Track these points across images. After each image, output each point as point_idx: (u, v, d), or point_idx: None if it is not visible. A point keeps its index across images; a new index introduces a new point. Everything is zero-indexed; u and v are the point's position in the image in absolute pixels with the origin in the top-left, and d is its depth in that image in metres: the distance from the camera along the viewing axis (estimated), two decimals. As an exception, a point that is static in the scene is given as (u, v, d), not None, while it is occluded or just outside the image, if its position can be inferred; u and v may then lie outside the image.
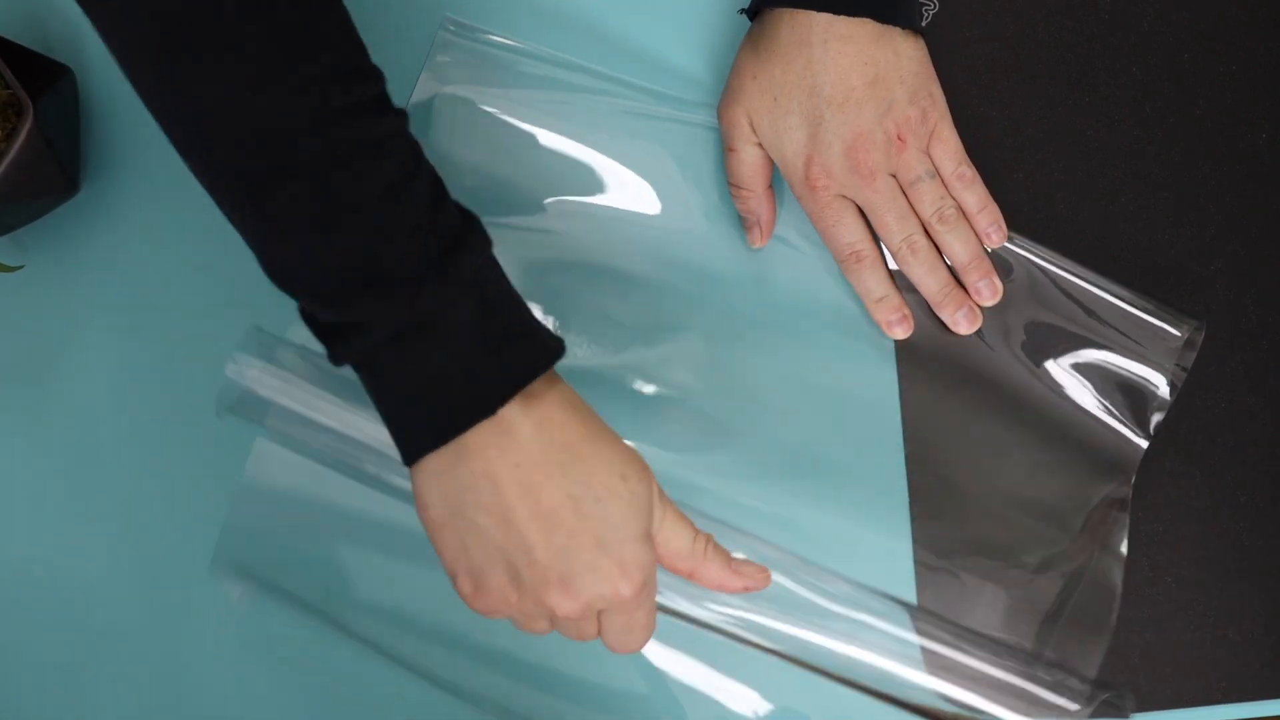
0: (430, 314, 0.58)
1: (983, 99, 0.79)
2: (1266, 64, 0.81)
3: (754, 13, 0.75)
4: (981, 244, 0.76)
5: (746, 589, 0.64)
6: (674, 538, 0.63)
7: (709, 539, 0.64)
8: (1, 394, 0.77)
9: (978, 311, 0.76)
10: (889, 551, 0.75)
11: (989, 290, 0.76)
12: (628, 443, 0.62)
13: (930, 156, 0.75)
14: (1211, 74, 0.80)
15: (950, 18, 0.79)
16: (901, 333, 0.76)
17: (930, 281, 0.76)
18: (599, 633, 0.63)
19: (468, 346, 0.58)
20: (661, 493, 0.63)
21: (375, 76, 0.58)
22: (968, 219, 0.76)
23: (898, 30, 0.73)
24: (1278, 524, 0.77)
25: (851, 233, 0.75)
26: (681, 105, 0.79)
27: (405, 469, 0.62)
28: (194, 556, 0.76)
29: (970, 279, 0.76)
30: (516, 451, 0.59)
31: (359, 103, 0.57)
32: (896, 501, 0.76)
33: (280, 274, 0.59)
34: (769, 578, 0.65)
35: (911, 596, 0.75)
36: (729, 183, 0.77)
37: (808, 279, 0.78)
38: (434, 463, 0.59)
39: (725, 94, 0.76)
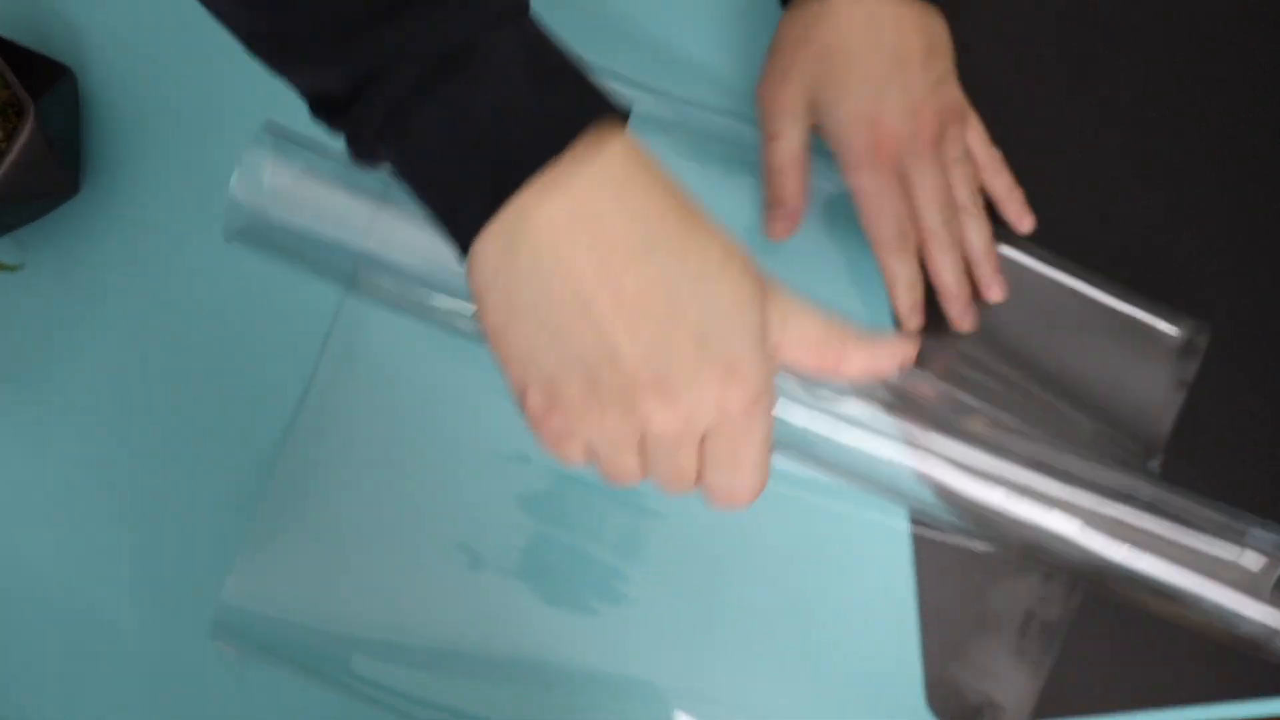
0: (466, 43, 0.45)
1: (983, 99, 0.79)
2: (1267, 63, 0.81)
3: None
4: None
5: (901, 367, 0.54)
6: (803, 327, 0.51)
7: (851, 329, 0.53)
8: (1, 394, 0.77)
9: (979, 317, 0.75)
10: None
11: (998, 287, 0.73)
12: None
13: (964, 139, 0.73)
14: (1212, 73, 0.80)
15: (951, 18, 0.79)
16: (917, 322, 0.72)
17: (952, 271, 0.72)
18: (699, 474, 0.50)
19: (519, 82, 0.46)
20: (774, 281, 0.51)
21: None
22: (997, 204, 0.74)
23: (930, 6, 0.71)
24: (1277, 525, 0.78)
25: (902, 208, 0.70)
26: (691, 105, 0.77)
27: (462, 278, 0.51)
28: (194, 556, 0.76)
29: (983, 271, 0.73)
30: (589, 227, 0.46)
31: None
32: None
33: (276, 33, 0.47)
34: (915, 348, 0.54)
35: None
36: (766, 169, 0.72)
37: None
38: (490, 246, 0.47)
39: (767, 73, 0.71)
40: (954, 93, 0.72)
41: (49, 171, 0.72)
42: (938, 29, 0.71)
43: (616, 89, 0.64)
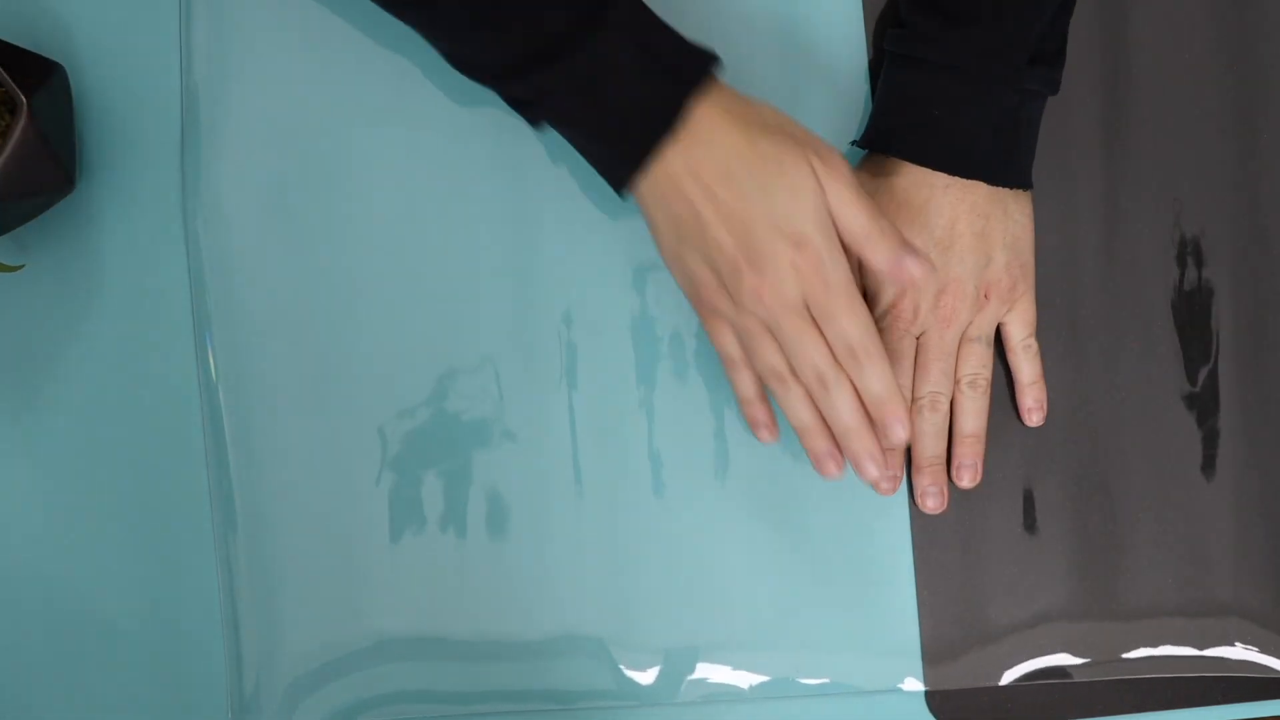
0: (598, 63, 0.67)
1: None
2: (1266, 63, 0.80)
3: (867, 144, 0.76)
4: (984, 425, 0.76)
5: (912, 280, 0.68)
6: (848, 218, 0.68)
7: (881, 222, 0.68)
8: (1, 394, 0.77)
9: (946, 496, 0.76)
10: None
11: (971, 474, 0.76)
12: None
13: (1003, 321, 0.76)
14: (1210, 74, 0.79)
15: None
16: (890, 489, 0.73)
17: (930, 445, 0.76)
18: (814, 327, 0.68)
19: (636, 80, 0.68)
20: (844, 176, 0.68)
21: None
22: (1018, 387, 0.76)
23: (1009, 190, 0.74)
24: (1276, 526, 0.77)
25: (900, 373, 0.75)
26: None
27: None
28: (194, 555, 0.76)
29: (961, 450, 0.76)
30: (691, 169, 0.68)
31: None
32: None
33: (462, 65, 0.71)
34: (932, 269, 0.68)
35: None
36: None
37: None
38: (638, 190, 0.70)
39: None
40: (1001, 274, 0.74)
41: (44, 168, 0.72)
42: (997, 213, 0.74)
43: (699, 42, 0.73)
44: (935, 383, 0.75)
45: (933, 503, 0.76)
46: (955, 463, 0.76)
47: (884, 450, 0.70)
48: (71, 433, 0.77)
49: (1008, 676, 0.75)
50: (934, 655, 0.75)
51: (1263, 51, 0.79)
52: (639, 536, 0.76)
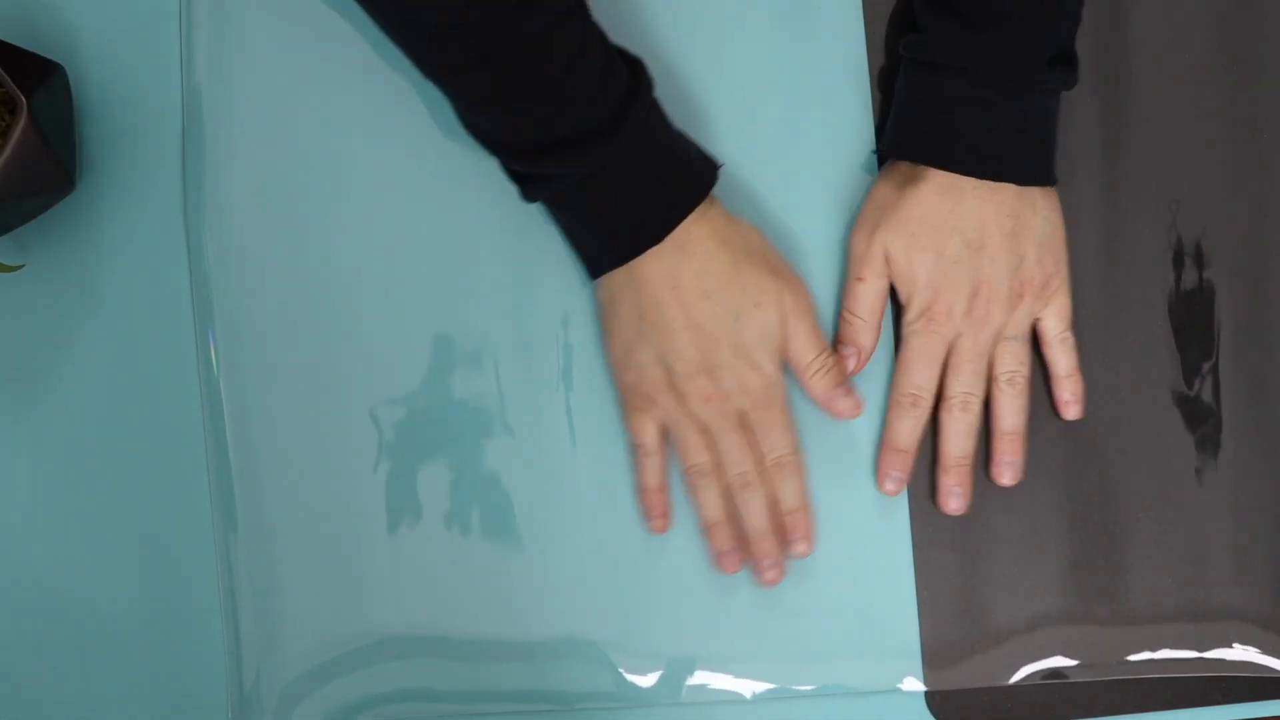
0: (605, 166, 0.70)
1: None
2: (1266, 63, 0.80)
3: (892, 152, 0.76)
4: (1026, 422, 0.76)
5: (839, 413, 0.74)
6: (800, 350, 0.74)
7: (828, 361, 0.74)
8: (1, 394, 0.77)
9: (968, 500, 0.76)
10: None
11: (1012, 471, 0.76)
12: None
13: (1038, 316, 0.76)
14: (1210, 74, 0.79)
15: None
16: (894, 490, 0.76)
17: (960, 445, 0.76)
18: (748, 435, 0.73)
19: (639, 187, 0.71)
20: (807, 314, 0.74)
21: None
22: (1054, 381, 0.77)
23: (1036, 188, 0.74)
24: (1276, 526, 0.77)
25: (929, 378, 0.75)
26: None
27: None
28: (193, 555, 0.76)
29: (1001, 448, 0.76)
30: (674, 280, 0.72)
31: (525, 2, 0.67)
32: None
33: (476, 134, 0.72)
34: (858, 409, 0.75)
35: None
36: (844, 309, 0.77)
37: None
38: (612, 281, 0.73)
39: (860, 222, 0.76)
40: (1034, 272, 0.74)
41: (44, 168, 0.72)
42: (1027, 212, 0.74)
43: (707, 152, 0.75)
44: (967, 383, 0.75)
45: (955, 503, 0.76)
46: (995, 460, 0.76)
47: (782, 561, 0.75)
48: (71, 433, 0.77)
49: (1008, 677, 0.75)
50: (934, 656, 0.75)
51: (1263, 51, 0.79)
52: (639, 536, 0.76)
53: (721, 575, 0.75)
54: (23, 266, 0.77)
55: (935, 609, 0.76)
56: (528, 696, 0.75)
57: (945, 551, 0.76)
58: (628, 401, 0.75)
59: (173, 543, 0.76)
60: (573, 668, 0.75)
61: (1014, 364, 0.75)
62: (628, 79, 0.70)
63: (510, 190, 0.74)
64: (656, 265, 0.71)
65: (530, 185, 0.72)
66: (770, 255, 0.74)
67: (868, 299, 0.76)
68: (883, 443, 0.76)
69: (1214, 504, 0.77)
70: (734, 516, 0.75)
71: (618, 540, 0.76)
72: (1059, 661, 0.75)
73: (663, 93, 0.72)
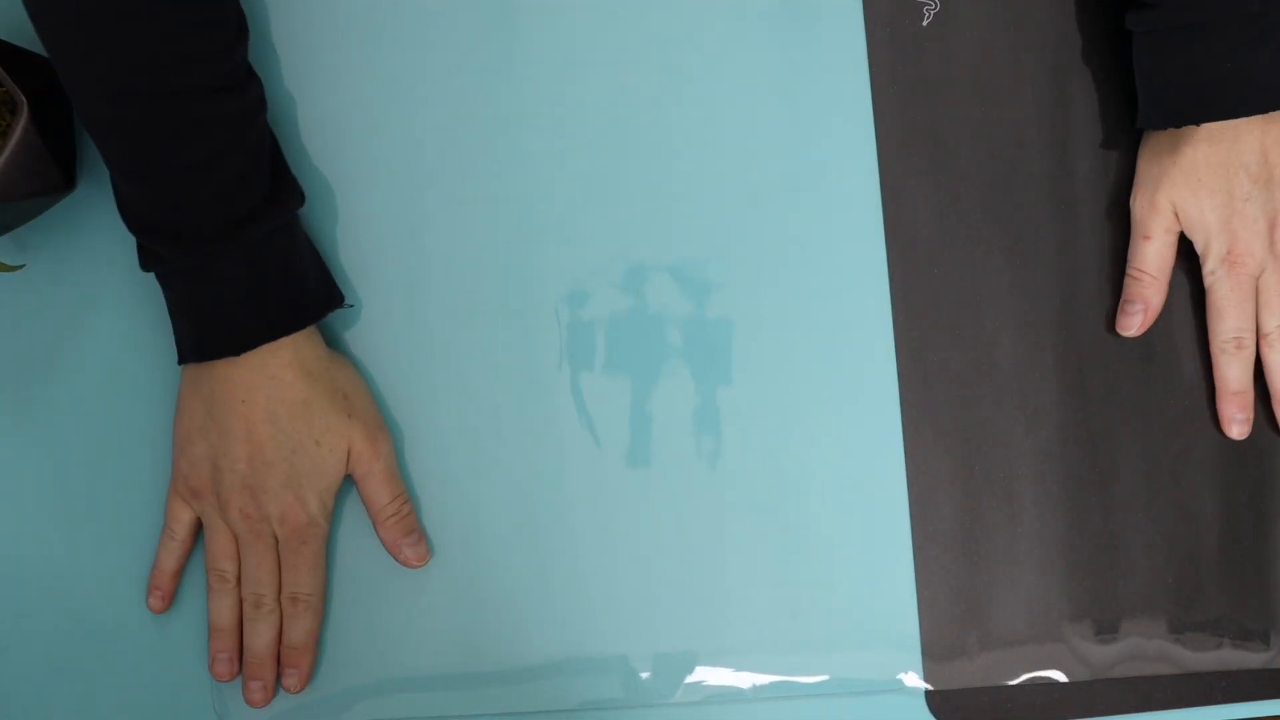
0: (207, 266, 0.71)
1: (983, 99, 0.79)
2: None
3: (1168, 122, 0.75)
4: None
5: (404, 562, 0.75)
6: (372, 494, 0.75)
7: (401, 508, 0.75)
8: (1, 394, 0.77)
9: (1250, 424, 0.77)
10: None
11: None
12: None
13: None
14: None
15: (950, 18, 0.79)
16: (1239, 434, 0.76)
17: (1242, 378, 0.76)
18: (277, 560, 0.74)
19: (232, 299, 0.71)
20: (384, 459, 0.75)
21: (226, 60, 0.70)
22: None
23: None
24: (1273, 526, 0.77)
25: (1246, 317, 0.75)
26: None
27: None
28: (194, 554, 0.76)
29: None
30: (247, 394, 0.72)
31: (197, 85, 0.69)
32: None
33: (114, 191, 0.72)
34: (423, 560, 0.76)
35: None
36: (1131, 267, 0.77)
37: None
38: (193, 373, 0.74)
39: (1139, 184, 0.77)
40: None
41: (44, 168, 0.72)
42: None
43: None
44: (1276, 319, 0.76)
45: (1238, 430, 0.76)
46: None
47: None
48: (71, 432, 0.77)
49: (1008, 676, 0.75)
50: (934, 655, 0.75)
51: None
52: (638, 536, 0.76)
53: (721, 575, 0.75)
54: (23, 266, 0.77)
55: (935, 609, 0.76)
56: (526, 697, 0.75)
57: (945, 551, 0.76)
58: (174, 484, 0.75)
59: (173, 543, 0.76)
60: (572, 668, 0.75)
61: None
62: (264, 195, 0.71)
63: (509, 187, 0.74)
64: (235, 374, 0.72)
65: (142, 254, 0.73)
66: (356, 398, 0.75)
67: (1156, 256, 0.76)
68: (1217, 391, 0.76)
69: (1211, 502, 0.77)
70: (240, 628, 0.75)
71: (616, 539, 0.76)
72: (1058, 661, 0.75)
73: (662, 94, 0.72)
